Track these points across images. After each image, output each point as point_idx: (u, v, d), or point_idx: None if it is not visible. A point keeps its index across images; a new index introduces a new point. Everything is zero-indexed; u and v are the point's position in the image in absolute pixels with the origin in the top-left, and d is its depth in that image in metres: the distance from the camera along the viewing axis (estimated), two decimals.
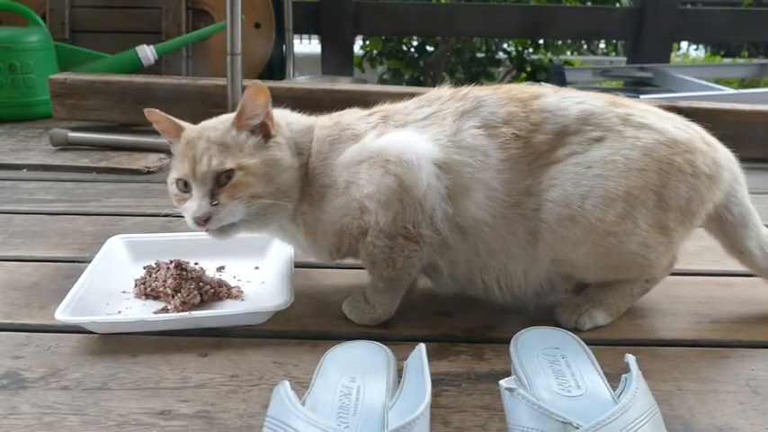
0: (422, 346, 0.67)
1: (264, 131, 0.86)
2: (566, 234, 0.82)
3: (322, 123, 0.92)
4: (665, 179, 0.82)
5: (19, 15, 2.23)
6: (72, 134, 1.79)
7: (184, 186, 0.85)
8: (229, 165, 0.82)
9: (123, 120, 1.95)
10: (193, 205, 0.82)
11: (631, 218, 0.81)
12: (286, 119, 0.91)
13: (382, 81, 3.82)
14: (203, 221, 0.82)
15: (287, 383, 0.59)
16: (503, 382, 0.60)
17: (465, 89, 0.90)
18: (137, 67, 2.26)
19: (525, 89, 0.89)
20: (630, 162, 0.81)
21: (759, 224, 0.91)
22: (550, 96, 0.87)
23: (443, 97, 0.89)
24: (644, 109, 0.88)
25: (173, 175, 0.86)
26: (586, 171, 0.81)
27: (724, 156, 0.89)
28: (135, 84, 1.92)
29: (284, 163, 0.85)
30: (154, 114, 0.88)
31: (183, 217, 0.85)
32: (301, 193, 0.87)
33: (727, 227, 0.91)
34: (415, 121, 0.87)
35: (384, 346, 0.74)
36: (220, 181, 0.82)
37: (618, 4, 3.93)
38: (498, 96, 0.87)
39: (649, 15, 2.91)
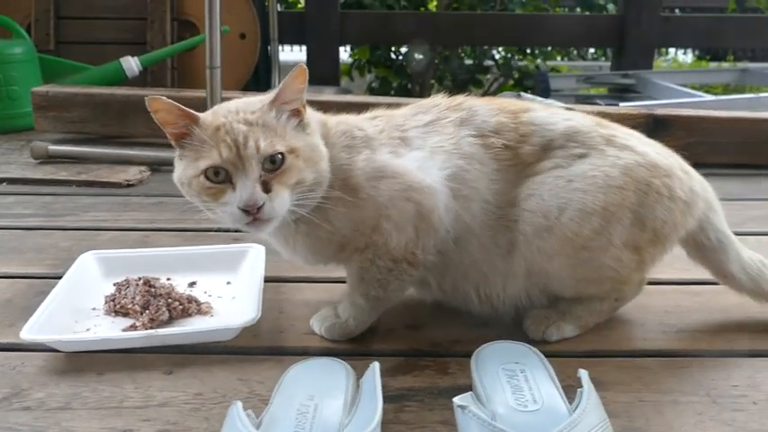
0: (375, 365, 0.67)
1: (299, 117, 0.81)
2: (541, 245, 0.83)
3: (331, 123, 0.88)
4: (642, 199, 0.83)
5: (3, 27, 2.24)
6: (52, 147, 1.79)
7: (216, 176, 0.76)
8: (280, 147, 0.76)
9: (105, 132, 1.96)
10: (245, 192, 0.74)
11: (606, 233, 0.82)
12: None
13: (371, 89, 3.83)
14: (257, 209, 0.74)
15: (239, 404, 0.60)
16: (456, 399, 0.61)
17: (459, 98, 0.91)
18: (121, 79, 2.27)
19: (516, 102, 0.92)
20: (610, 179, 0.82)
21: (740, 249, 0.92)
22: (540, 111, 0.90)
23: (440, 106, 0.90)
24: (628, 133, 0.91)
25: (200, 166, 0.76)
26: (567, 184, 0.83)
27: (700, 185, 0.91)
28: (117, 96, 1.93)
29: (322, 150, 0.81)
30: (158, 102, 0.76)
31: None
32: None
33: (707, 253, 0.93)
34: (417, 127, 0.88)
35: (345, 363, 0.74)
36: (266, 166, 0.76)
37: (605, 11, 3.94)
38: (490, 107, 0.89)
39: (632, 22, 2.94)
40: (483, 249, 0.86)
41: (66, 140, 1.92)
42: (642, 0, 2.93)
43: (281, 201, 0.76)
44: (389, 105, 0.97)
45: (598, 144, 0.86)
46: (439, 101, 0.92)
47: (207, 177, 0.77)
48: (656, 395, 0.77)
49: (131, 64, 2.25)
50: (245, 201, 0.74)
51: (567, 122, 0.88)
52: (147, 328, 0.89)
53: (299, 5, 3.80)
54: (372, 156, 0.84)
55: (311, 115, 0.84)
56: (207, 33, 1.53)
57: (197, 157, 0.78)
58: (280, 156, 0.76)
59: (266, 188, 0.75)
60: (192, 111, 0.79)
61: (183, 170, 0.80)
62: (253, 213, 0.74)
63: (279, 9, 2.77)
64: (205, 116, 0.80)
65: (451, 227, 0.84)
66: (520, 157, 0.85)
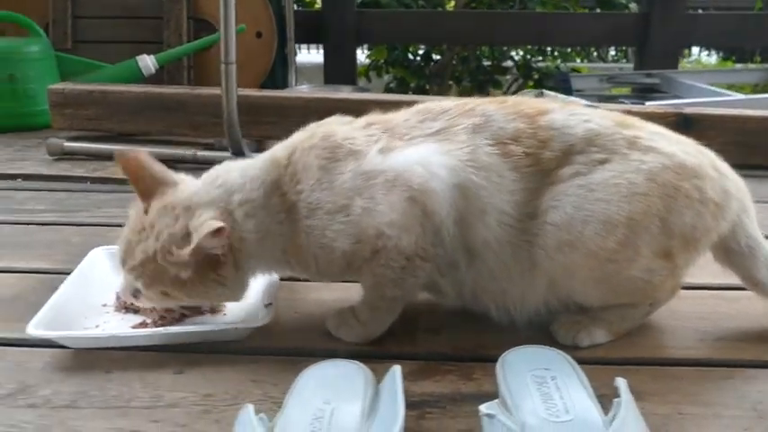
0: (396, 369, 0.63)
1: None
2: (563, 260, 0.78)
3: (302, 146, 0.82)
4: (670, 205, 0.78)
5: (20, 27, 2.23)
6: (68, 144, 1.77)
7: None
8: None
9: (121, 129, 1.94)
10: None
11: (633, 245, 0.77)
12: (229, 194, 0.81)
13: (388, 90, 3.79)
14: None
15: (251, 407, 0.56)
16: (482, 407, 0.56)
17: (470, 103, 0.85)
18: (137, 77, 2.25)
19: (532, 104, 0.85)
20: (633, 186, 0.77)
21: None
22: (557, 113, 0.83)
23: (450, 111, 0.83)
24: (654, 131, 0.84)
25: None
26: (589, 194, 0.78)
27: (734, 185, 0.85)
28: (132, 93, 1.91)
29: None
30: (129, 161, 0.85)
31: None
32: (288, 233, 0.81)
33: (735, 258, 0.87)
34: (424, 137, 0.81)
35: (363, 366, 0.70)
36: None
37: (627, 10, 3.87)
38: (506, 111, 0.83)
39: (656, 21, 2.86)
40: (502, 265, 0.81)
41: (83, 137, 1.90)
42: None
43: None
44: (404, 104, 0.92)
45: (620, 148, 0.80)
46: (448, 105, 0.85)
47: None
48: (696, 408, 0.72)
49: (147, 62, 2.24)
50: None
51: (587, 125, 0.82)
52: (157, 326, 0.86)
53: (317, 5, 3.78)
54: (358, 166, 0.79)
55: (240, 190, 0.82)
56: (222, 27, 1.50)
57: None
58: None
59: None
60: (171, 175, 0.87)
61: None
62: None
63: (295, 8, 2.74)
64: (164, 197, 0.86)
65: (453, 227, 0.79)
66: (541, 164, 0.80)
